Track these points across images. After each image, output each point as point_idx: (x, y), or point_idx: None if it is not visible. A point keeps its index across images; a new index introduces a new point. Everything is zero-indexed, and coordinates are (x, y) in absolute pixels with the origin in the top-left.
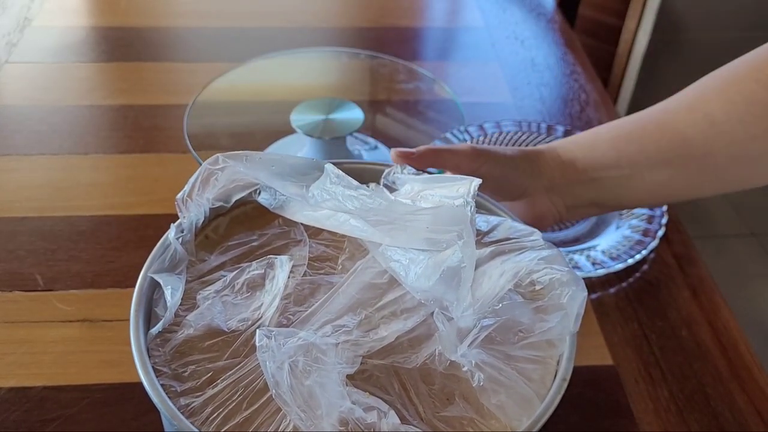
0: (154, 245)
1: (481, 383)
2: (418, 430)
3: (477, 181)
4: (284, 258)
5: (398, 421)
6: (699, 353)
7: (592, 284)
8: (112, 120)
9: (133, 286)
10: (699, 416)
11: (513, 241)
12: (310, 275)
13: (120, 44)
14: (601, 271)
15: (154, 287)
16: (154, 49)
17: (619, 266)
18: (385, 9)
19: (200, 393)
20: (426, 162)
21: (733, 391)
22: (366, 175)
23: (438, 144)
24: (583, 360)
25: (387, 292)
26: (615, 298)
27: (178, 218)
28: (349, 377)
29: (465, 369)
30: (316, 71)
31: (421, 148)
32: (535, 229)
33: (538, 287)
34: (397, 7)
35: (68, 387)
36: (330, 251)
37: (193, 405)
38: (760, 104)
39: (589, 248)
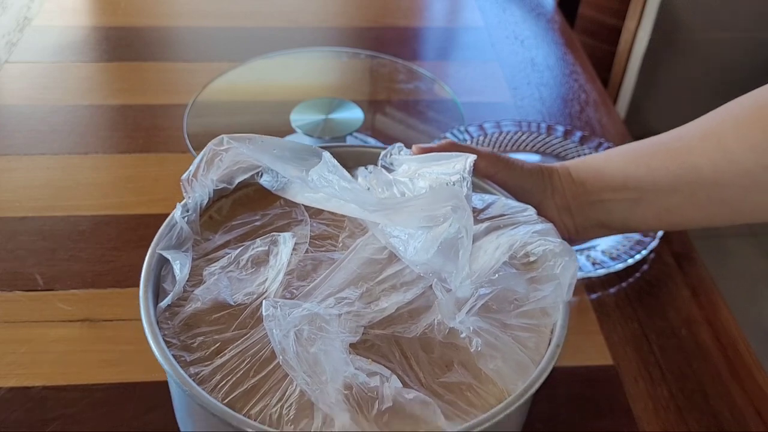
0: None
1: (479, 348)
2: (420, 393)
3: (472, 157)
4: (287, 235)
5: (401, 385)
6: (699, 353)
7: (592, 284)
8: (112, 120)
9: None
10: (698, 416)
11: (507, 216)
12: (312, 252)
13: (120, 44)
14: (601, 271)
15: (161, 265)
16: (154, 49)
17: (619, 266)
18: (385, 9)
19: (209, 362)
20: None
21: (732, 390)
22: (365, 157)
23: (456, 141)
24: (583, 360)
25: (387, 267)
26: (615, 298)
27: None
28: (352, 346)
29: (463, 336)
30: (316, 71)
31: (443, 142)
32: (529, 206)
33: (532, 258)
34: (397, 7)
35: (69, 387)
36: (331, 230)
37: (202, 373)
38: (759, 124)
39: (589, 248)
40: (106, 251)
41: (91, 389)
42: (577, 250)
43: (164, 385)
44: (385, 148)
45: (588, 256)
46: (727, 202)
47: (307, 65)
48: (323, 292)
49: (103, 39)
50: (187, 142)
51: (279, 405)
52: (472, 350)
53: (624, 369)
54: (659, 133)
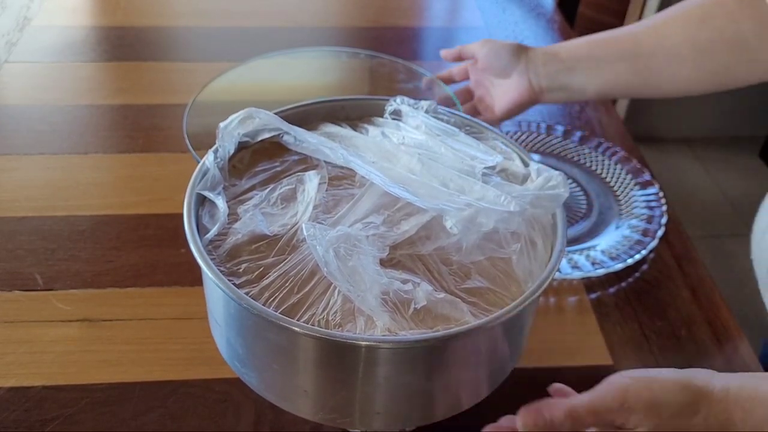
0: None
1: (518, 249)
2: (448, 294)
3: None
4: (312, 173)
5: (431, 289)
6: (698, 353)
7: (591, 284)
8: (112, 120)
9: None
10: None
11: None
12: (332, 190)
13: (120, 44)
14: (600, 271)
15: (197, 207)
16: (154, 49)
17: (619, 266)
18: (385, 9)
19: (255, 284)
20: (456, 57)
21: None
22: (366, 108)
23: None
24: (582, 360)
25: (401, 198)
26: (615, 298)
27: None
28: (381, 264)
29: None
30: (316, 71)
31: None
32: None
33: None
34: (396, 7)
35: (67, 387)
36: (345, 171)
37: (251, 293)
38: (694, 15)
39: (588, 248)
40: (106, 251)
41: (90, 389)
42: (576, 250)
43: (163, 384)
44: (385, 99)
45: (588, 256)
46: (657, 69)
47: (307, 65)
48: (350, 219)
49: (103, 39)
50: (187, 141)
51: (324, 313)
52: (515, 253)
53: (624, 369)
54: (659, 133)
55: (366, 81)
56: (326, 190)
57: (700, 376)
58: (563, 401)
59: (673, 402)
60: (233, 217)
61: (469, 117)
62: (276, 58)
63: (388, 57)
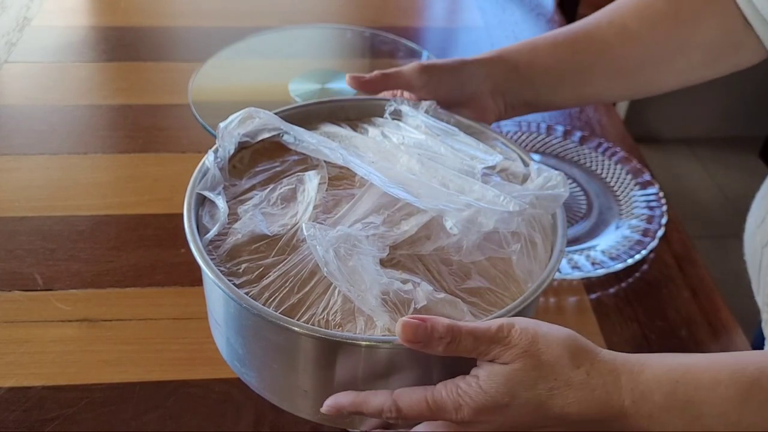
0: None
1: (518, 249)
2: (448, 294)
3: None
4: (312, 173)
5: (431, 289)
6: (698, 353)
7: (591, 284)
8: (112, 120)
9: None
10: None
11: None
12: (332, 190)
13: (120, 44)
14: (600, 271)
15: (198, 207)
16: (154, 49)
17: (619, 266)
18: (384, 9)
19: (255, 284)
20: (378, 87)
21: None
22: (366, 108)
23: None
24: None
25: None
26: (615, 298)
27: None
28: (381, 264)
29: (511, 229)
30: (311, 48)
31: (374, 73)
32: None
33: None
34: (397, 7)
35: (67, 387)
36: (345, 171)
37: (251, 293)
38: (661, 14)
39: (588, 248)
40: (106, 251)
41: (89, 389)
42: (576, 250)
43: (163, 384)
44: (385, 99)
45: (588, 256)
46: (628, 75)
47: (304, 43)
48: (350, 219)
49: (102, 39)
50: (193, 111)
51: (324, 313)
52: (515, 254)
53: None
54: (659, 133)
55: (356, 54)
56: (326, 190)
57: (587, 340)
58: (445, 319)
59: (555, 347)
60: (233, 217)
61: (468, 118)
62: (277, 33)
63: (372, 30)
